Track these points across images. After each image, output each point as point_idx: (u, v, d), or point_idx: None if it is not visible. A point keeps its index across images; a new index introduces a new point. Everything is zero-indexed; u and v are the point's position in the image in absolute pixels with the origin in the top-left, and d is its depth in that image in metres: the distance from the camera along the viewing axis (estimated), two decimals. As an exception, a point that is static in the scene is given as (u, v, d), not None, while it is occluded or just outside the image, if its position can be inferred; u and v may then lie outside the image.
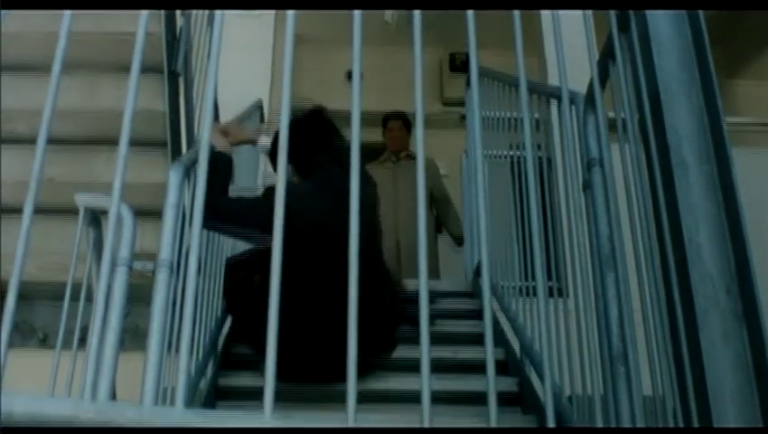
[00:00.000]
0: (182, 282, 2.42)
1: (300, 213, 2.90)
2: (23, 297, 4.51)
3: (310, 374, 3.02)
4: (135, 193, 3.31)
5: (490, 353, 1.34)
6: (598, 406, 1.53)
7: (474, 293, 4.71)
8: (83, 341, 1.96)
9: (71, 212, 2.83)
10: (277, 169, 1.31)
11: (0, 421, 1.04)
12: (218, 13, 1.51)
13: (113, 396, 2.38)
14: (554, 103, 3.43)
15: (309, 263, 3.02)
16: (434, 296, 3.49)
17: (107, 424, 1.05)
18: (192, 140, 3.84)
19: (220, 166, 2.98)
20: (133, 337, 4.27)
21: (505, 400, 3.39)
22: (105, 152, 3.96)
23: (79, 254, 2.76)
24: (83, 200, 2.72)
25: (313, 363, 3.00)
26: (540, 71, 5.79)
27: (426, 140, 1.56)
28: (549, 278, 3.10)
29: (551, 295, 2.93)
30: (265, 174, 4.91)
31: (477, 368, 3.31)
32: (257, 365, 3.36)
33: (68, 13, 1.40)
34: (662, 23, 1.96)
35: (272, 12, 6.42)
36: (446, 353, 3.66)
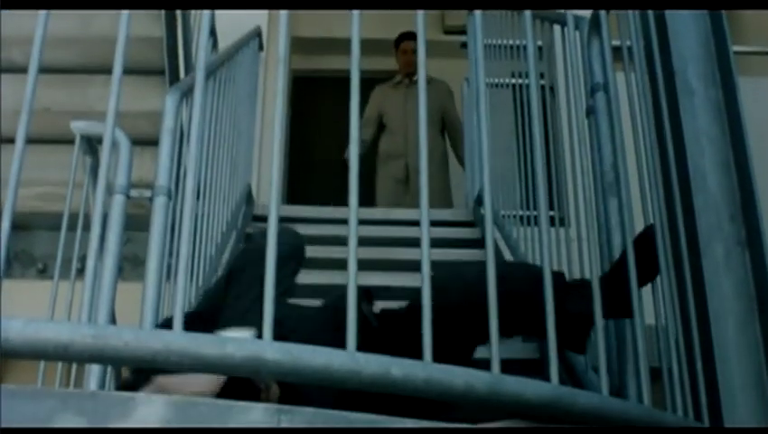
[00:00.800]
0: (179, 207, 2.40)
1: None
2: (21, 227, 4.52)
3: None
4: (133, 121, 3.29)
5: (492, 291, 1.33)
6: (601, 337, 1.53)
7: (475, 222, 4.70)
8: (82, 271, 1.95)
9: (69, 141, 2.81)
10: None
11: None
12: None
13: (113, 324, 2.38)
14: (557, 29, 3.37)
15: None
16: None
17: (103, 347, 1.04)
18: (190, 66, 3.80)
19: None
20: (132, 267, 4.28)
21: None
22: (102, 80, 3.90)
23: (77, 183, 2.74)
24: (79, 127, 2.69)
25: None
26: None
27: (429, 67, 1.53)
28: (551, 208, 3.08)
29: (552, 224, 2.92)
30: None
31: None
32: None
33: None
34: (670, -57, 1.91)
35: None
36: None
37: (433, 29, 7.58)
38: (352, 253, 1.22)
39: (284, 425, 1.09)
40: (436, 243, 3.13)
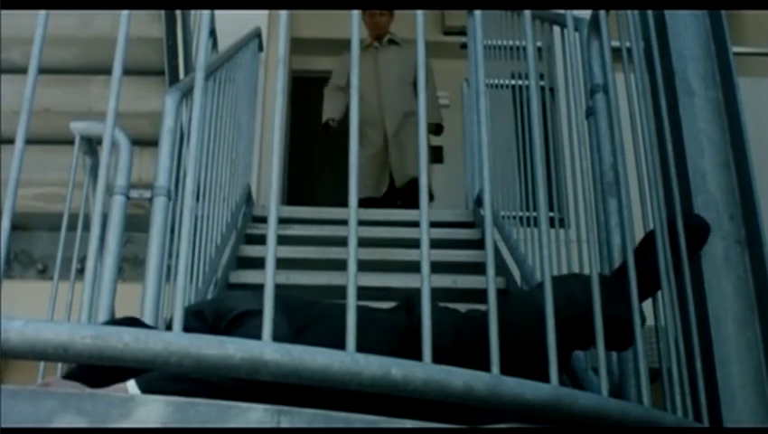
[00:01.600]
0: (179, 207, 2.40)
1: None
2: (21, 227, 4.52)
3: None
4: (133, 121, 3.29)
5: (492, 301, 1.33)
6: (600, 336, 1.52)
7: (475, 222, 4.70)
8: (82, 272, 1.95)
9: (69, 142, 2.81)
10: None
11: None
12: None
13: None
14: (557, 30, 3.37)
15: None
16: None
17: (103, 348, 1.04)
18: (189, 67, 3.79)
19: None
20: (132, 267, 4.28)
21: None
22: (102, 80, 3.90)
23: (77, 183, 2.74)
24: (79, 128, 2.69)
25: None
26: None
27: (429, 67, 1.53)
28: (551, 209, 3.08)
29: (552, 226, 2.92)
30: None
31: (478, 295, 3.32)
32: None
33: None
34: (670, -57, 1.91)
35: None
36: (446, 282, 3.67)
37: (433, 29, 7.57)
38: (352, 254, 1.22)
39: (283, 425, 1.09)
40: (436, 244, 3.15)
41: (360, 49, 4.83)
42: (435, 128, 5.57)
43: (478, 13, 1.64)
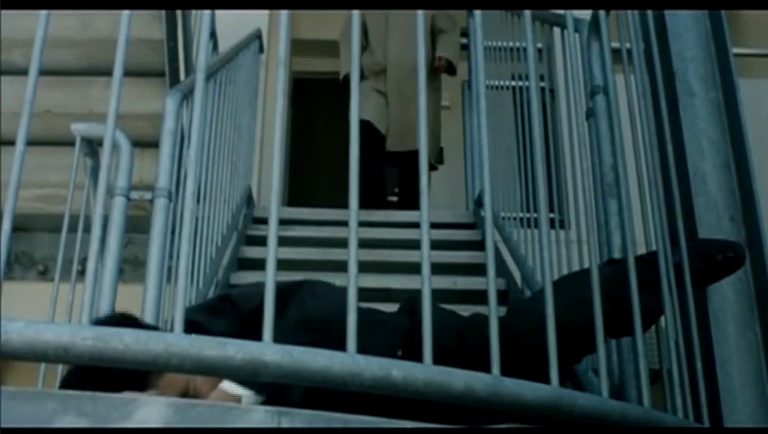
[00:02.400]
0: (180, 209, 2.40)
1: None
2: (22, 228, 4.52)
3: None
4: (133, 123, 3.29)
5: (493, 305, 1.33)
6: (600, 337, 1.52)
7: (476, 224, 4.70)
8: (83, 273, 1.95)
9: (70, 143, 2.81)
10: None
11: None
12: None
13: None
14: (557, 31, 3.37)
15: None
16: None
17: (104, 350, 1.04)
18: (190, 68, 3.80)
19: None
20: (133, 268, 4.28)
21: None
22: (103, 82, 3.91)
23: (78, 184, 2.74)
24: (79, 129, 2.69)
25: None
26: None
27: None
28: (551, 210, 3.08)
29: (552, 227, 2.92)
30: None
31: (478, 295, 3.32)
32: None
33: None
34: (670, -56, 1.91)
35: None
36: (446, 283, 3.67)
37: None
38: (353, 255, 1.22)
39: (284, 426, 1.09)
40: (436, 245, 3.14)
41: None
42: (448, 66, 5.46)
43: (478, 13, 1.63)
